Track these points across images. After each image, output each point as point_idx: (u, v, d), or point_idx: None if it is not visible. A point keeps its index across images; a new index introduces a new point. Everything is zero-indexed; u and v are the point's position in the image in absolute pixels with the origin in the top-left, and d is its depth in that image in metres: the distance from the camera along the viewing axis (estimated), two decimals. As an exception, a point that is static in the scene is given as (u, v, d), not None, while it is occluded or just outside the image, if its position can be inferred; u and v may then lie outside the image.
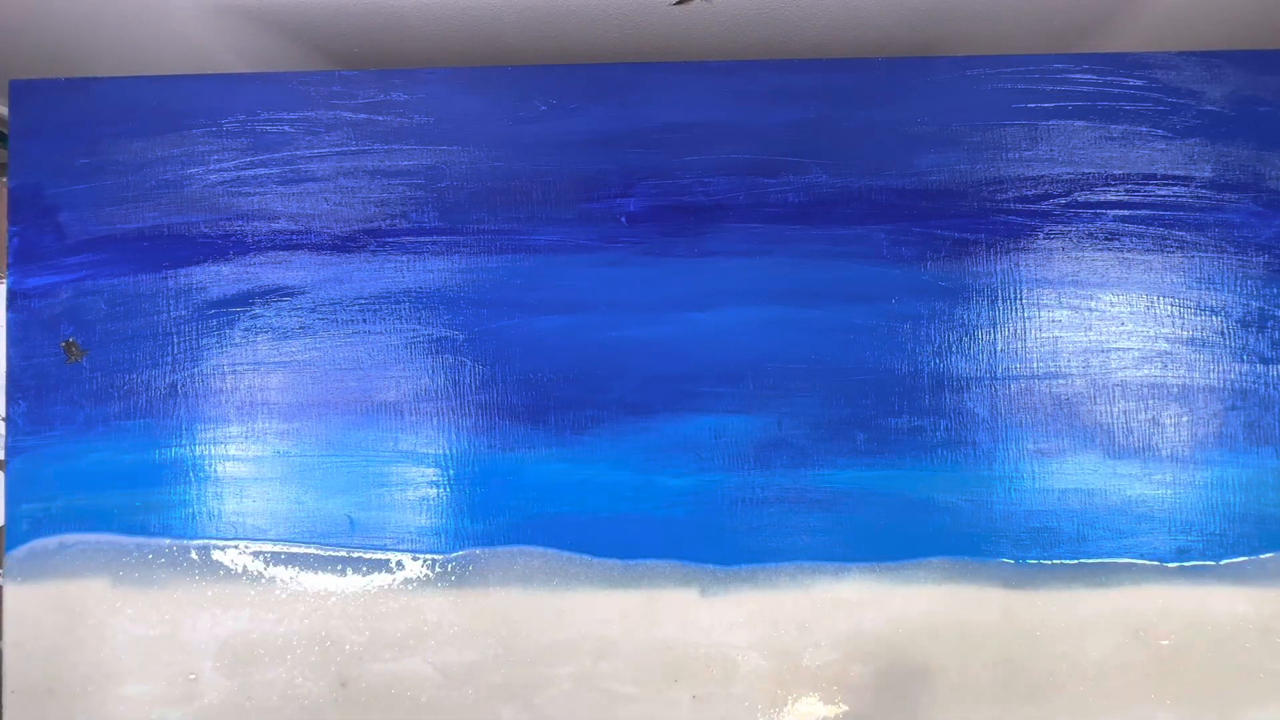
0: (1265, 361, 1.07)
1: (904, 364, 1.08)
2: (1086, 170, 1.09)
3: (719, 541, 1.07)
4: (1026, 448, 1.07)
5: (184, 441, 1.10)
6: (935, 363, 1.08)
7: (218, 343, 1.11)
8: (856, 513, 1.07)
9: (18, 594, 1.09)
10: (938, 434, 1.07)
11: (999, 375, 1.08)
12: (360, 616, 1.08)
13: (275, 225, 1.12)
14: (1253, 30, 1.28)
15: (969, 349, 1.08)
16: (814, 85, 1.11)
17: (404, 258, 1.11)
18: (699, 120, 1.11)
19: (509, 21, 1.23)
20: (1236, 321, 1.07)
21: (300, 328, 1.11)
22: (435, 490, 1.09)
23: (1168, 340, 1.07)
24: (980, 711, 1.04)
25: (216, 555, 1.09)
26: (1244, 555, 1.05)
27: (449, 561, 1.08)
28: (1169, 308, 1.08)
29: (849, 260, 1.09)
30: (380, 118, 1.12)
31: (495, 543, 1.08)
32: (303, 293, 1.11)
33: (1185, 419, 1.06)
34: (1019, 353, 1.08)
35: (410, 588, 1.08)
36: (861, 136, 1.10)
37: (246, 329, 1.11)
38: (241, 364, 1.11)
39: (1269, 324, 1.07)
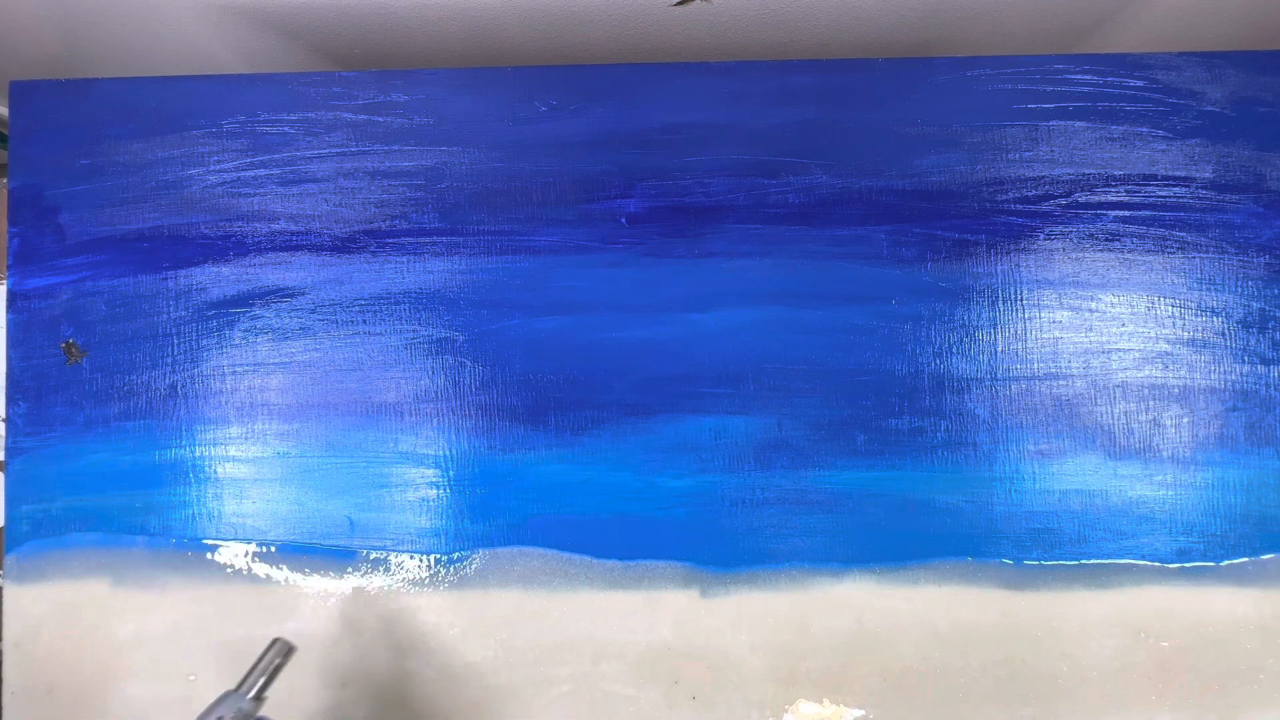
0: (1266, 362, 1.06)
1: (904, 365, 1.08)
2: (1087, 171, 1.09)
3: (719, 543, 1.07)
4: (1027, 449, 1.07)
5: (184, 442, 1.10)
6: (936, 364, 1.08)
7: (218, 344, 1.11)
8: (857, 514, 1.06)
9: (18, 595, 1.09)
10: (938, 435, 1.07)
11: (999, 376, 1.07)
12: (360, 617, 1.08)
13: (275, 226, 1.12)
14: (1253, 30, 1.28)
15: (969, 350, 1.08)
16: (814, 85, 1.10)
17: (404, 259, 1.11)
18: (699, 121, 1.11)
19: (509, 22, 1.23)
20: (1237, 322, 1.07)
21: (300, 329, 1.11)
22: (435, 491, 1.09)
23: (1168, 341, 1.07)
24: (980, 713, 1.04)
25: (216, 556, 1.09)
26: (1245, 556, 1.05)
27: (449, 563, 1.08)
28: (1170, 308, 1.08)
29: (849, 261, 1.09)
30: (380, 118, 1.12)
31: (495, 544, 1.08)
32: (303, 294, 1.11)
33: (1186, 420, 1.06)
34: (1019, 354, 1.08)
35: (410, 589, 1.08)
36: (862, 137, 1.10)
37: (246, 330, 1.11)
38: (241, 365, 1.11)
39: (1270, 325, 1.07)
